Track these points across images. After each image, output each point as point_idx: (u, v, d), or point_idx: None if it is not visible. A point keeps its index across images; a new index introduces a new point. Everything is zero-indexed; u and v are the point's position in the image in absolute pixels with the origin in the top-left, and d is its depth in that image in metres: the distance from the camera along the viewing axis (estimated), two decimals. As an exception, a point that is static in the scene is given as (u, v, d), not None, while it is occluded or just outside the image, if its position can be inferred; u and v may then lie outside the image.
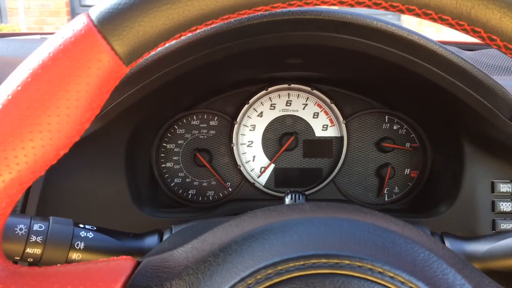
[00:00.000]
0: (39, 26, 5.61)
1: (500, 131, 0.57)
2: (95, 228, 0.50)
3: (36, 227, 0.47)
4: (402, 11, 0.29)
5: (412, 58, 0.54)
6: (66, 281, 0.30)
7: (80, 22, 0.28)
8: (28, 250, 0.46)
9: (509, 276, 0.48)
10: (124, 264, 0.33)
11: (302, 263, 0.28)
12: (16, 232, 0.45)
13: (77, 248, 0.48)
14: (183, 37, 0.52)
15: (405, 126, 0.78)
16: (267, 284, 0.28)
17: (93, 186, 0.64)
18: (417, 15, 0.29)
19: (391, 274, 0.28)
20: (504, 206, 0.63)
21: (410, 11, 0.29)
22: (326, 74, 0.70)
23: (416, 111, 0.75)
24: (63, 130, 0.29)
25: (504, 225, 0.63)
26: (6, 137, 0.27)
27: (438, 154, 0.74)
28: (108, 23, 0.28)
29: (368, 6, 0.30)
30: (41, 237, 0.46)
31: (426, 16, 0.29)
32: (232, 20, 0.51)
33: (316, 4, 0.30)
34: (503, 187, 0.63)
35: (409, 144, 0.78)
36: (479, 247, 0.49)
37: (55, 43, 0.28)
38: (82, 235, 0.48)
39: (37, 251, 0.46)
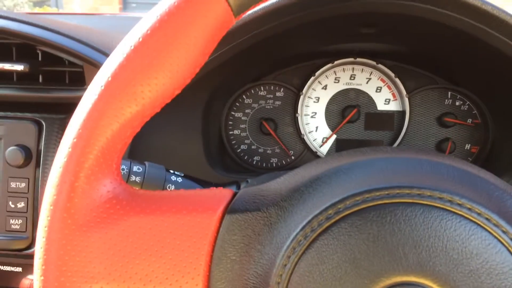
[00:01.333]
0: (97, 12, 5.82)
1: None
2: (183, 174, 0.55)
3: (135, 168, 0.52)
4: None
5: (484, 27, 0.56)
6: (172, 203, 0.35)
7: None
8: None
9: None
10: (224, 192, 0.37)
11: (386, 192, 0.31)
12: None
13: (168, 190, 0.53)
14: (264, 4, 0.56)
15: (468, 102, 0.79)
16: (355, 209, 0.31)
17: (174, 144, 0.70)
18: None
19: (469, 206, 0.30)
20: None
21: None
22: (395, 46, 0.73)
23: (480, 87, 0.76)
24: (180, 71, 0.33)
25: None
26: (136, 74, 0.32)
27: (500, 130, 0.76)
28: None
29: None
30: (139, 177, 0.52)
31: None
32: None
33: None
34: None
35: (471, 120, 0.79)
36: None
37: None
38: (173, 179, 0.54)
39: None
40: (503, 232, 0.30)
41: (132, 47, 0.32)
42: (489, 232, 0.30)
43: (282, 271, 0.32)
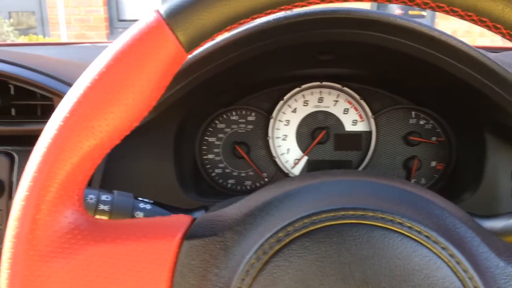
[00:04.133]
0: (79, 40, 5.86)
1: None
2: (152, 201, 0.57)
3: (103, 197, 0.54)
4: (418, 5, 0.35)
5: (434, 53, 0.59)
6: (132, 231, 0.36)
7: (151, 16, 0.34)
8: (97, 217, 0.53)
9: None
10: (183, 219, 0.38)
11: (332, 214, 0.33)
12: (88, 201, 0.53)
13: (137, 217, 0.55)
14: (227, 35, 0.59)
15: (431, 121, 0.82)
16: (304, 231, 0.33)
17: (145, 172, 0.72)
18: (432, 8, 0.35)
19: (409, 224, 0.32)
20: None
21: (425, 5, 0.34)
22: (355, 71, 0.76)
23: (441, 106, 0.79)
24: (136, 104, 0.34)
25: None
26: (93, 109, 0.33)
27: (463, 146, 0.79)
28: (174, 17, 0.34)
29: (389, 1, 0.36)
30: (108, 206, 0.53)
31: (439, 9, 0.34)
32: (269, 19, 0.58)
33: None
34: None
35: (435, 138, 0.82)
36: (496, 223, 0.53)
37: (132, 33, 0.34)
38: (141, 207, 0.55)
39: (104, 218, 0.53)
40: (442, 248, 0.32)
41: (89, 84, 0.34)
42: (429, 249, 0.32)
43: None
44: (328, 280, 0.32)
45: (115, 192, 0.55)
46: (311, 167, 0.86)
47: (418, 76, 0.71)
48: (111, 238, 0.36)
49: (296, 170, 0.86)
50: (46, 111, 0.65)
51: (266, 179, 0.86)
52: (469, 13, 0.33)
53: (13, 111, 0.67)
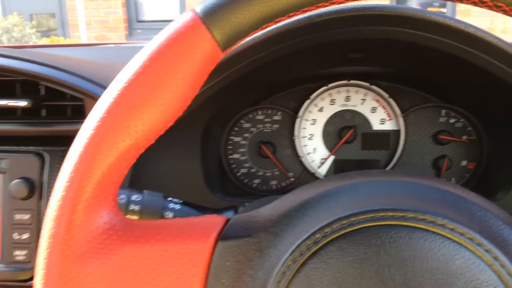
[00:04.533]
0: (101, 41, 5.94)
1: None
2: (181, 201, 0.57)
3: (134, 197, 0.54)
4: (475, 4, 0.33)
5: (469, 49, 0.57)
6: (167, 232, 0.36)
7: (188, 15, 0.34)
8: (127, 217, 0.53)
9: None
10: (217, 219, 0.38)
11: (371, 215, 0.32)
12: (118, 201, 0.53)
13: (167, 217, 0.55)
14: (257, 34, 0.59)
15: (462, 119, 0.80)
16: (342, 232, 0.32)
17: (174, 170, 0.72)
18: (474, 3, 0.34)
19: (451, 226, 0.31)
20: None
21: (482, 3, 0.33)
22: (386, 69, 0.75)
23: (472, 104, 0.78)
24: (172, 104, 0.34)
25: None
26: (130, 109, 0.33)
27: (494, 145, 0.77)
28: (210, 16, 0.33)
29: None
30: (138, 206, 0.53)
31: (497, 8, 0.33)
32: (300, 17, 0.57)
33: None
34: None
35: (466, 136, 0.80)
36: None
37: (168, 33, 0.34)
38: (171, 207, 0.55)
39: (135, 218, 0.54)
40: (486, 251, 0.31)
41: (125, 84, 0.33)
42: (472, 251, 0.31)
43: None
44: (367, 283, 0.31)
45: (145, 192, 0.55)
46: (338, 167, 0.84)
47: (449, 73, 0.70)
48: (145, 239, 0.36)
49: (323, 170, 0.85)
50: (76, 112, 0.66)
51: (292, 179, 0.85)
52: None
53: (43, 112, 0.67)
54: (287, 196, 0.40)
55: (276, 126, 0.85)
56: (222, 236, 0.36)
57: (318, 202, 0.37)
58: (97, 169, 0.34)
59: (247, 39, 0.59)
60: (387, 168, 0.82)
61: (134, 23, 6.22)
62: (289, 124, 0.85)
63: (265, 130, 0.85)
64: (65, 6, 6.30)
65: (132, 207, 0.53)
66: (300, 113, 0.83)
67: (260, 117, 0.85)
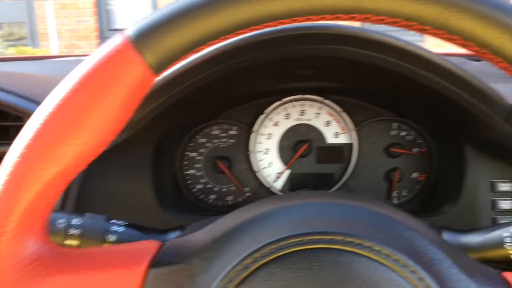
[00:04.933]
0: (69, 50, 5.84)
1: (497, 133, 0.61)
2: (125, 223, 0.56)
3: (74, 221, 0.52)
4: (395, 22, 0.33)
5: (410, 67, 0.59)
6: (97, 260, 0.35)
7: (118, 39, 0.33)
8: (67, 242, 0.52)
9: (505, 264, 0.51)
10: (150, 245, 0.37)
11: (300, 239, 0.32)
12: (56, 226, 0.51)
13: (109, 241, 0.53)
14: (204, 52, 0.58)
15: (412, 132, 0.82)
16: (271, 257, 0.32)
17: (123, 190, 0.71)
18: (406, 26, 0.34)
19: (378, 248, 0.32)
20: (504, 204, 0.67)
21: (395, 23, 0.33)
22: (338, 84, 0.76)
23: (422, 118, 0.79)
24: (102, 129, 0.33)
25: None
26: (57, 135, 0.32)
27: (443, 157, 0.78)
28: (142, 39, 0.32)
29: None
30: (79, 230, 0.52)
31: (409, 27, 0.33)
32: (247, 35, 0.57)
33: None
34: (503, 186, 0.67)
35: (417, 149, 0.82)
36: (474, 238, 0.52)
37: (98, 56, 0.33)
38: (113, 229, 0.54)
39: (75, 243, 0.52)
40: (411, 272, 0.31)
41: (53, 109, 0.32)
42: (398, 273, 0.31)
43: None
44: None
45: (87, 215, 0.54)
46: (294, 181, 0.85)
47: (398, 88, 0.71)
48: (74, 268, 0.35)
49: (278, 184, 0.85)
50: (19, 132, 0.64)
51: (248, 194, 0.85)
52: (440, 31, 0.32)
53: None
54: (223, 219, 0.40)
55: (232, 141, 0.85)
56: (155, 262, 0.36)
57: (249, 227, 0.37)
58: (22, 198, 0.32)
59: (190, 58, 0.59)
60: (342, 181, 0.82)
61: (106, 31, 6.15)
62: (245, 139, 0.84)
63: (221, 145, 0.85)
64: (34, 15, 6.18)
65: (72, 231, 0.52)
66: (256, 128, 0.83)
67: (216, 132, 0.85)
